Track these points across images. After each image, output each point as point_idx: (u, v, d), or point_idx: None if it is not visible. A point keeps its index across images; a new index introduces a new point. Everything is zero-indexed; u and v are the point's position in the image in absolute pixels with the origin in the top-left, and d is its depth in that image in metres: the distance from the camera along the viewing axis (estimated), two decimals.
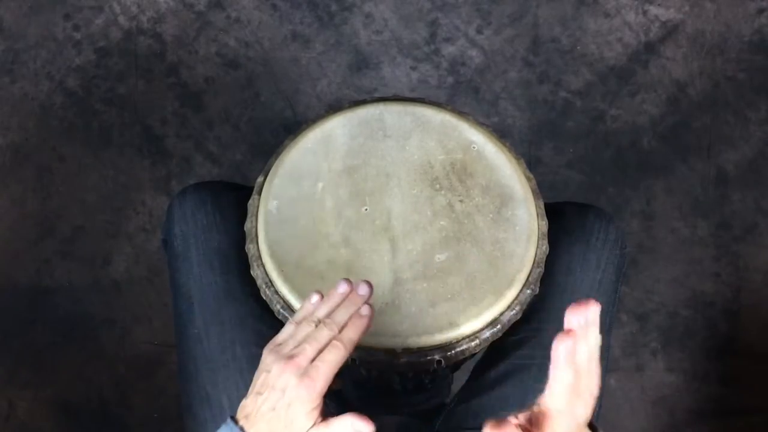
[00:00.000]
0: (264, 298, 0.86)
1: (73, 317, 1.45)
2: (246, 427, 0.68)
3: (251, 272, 0.87)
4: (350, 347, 0.71)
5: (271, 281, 0.85)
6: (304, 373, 0.68)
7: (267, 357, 0.71)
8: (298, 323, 0.73)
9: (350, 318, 0.72)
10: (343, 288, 0.74)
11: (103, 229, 1.50)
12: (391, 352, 0.81)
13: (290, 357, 0.69)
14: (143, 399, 1.41)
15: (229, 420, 0.69)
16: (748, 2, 1.64)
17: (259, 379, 0.70)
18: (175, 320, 0.93)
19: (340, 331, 0.71)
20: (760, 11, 1.64)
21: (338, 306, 0.73)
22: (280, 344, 0.71)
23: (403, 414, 0.96)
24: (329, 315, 0.72)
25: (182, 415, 0.90)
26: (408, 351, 0.81)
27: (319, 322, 0.72)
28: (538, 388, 0.87)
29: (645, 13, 1.64)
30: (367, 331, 0.73)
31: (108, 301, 1.46)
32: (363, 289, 0.74)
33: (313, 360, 0.69)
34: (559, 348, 0.59)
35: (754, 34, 1.63)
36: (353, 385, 0.95)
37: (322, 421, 0.69)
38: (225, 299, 0.90)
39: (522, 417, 0.62)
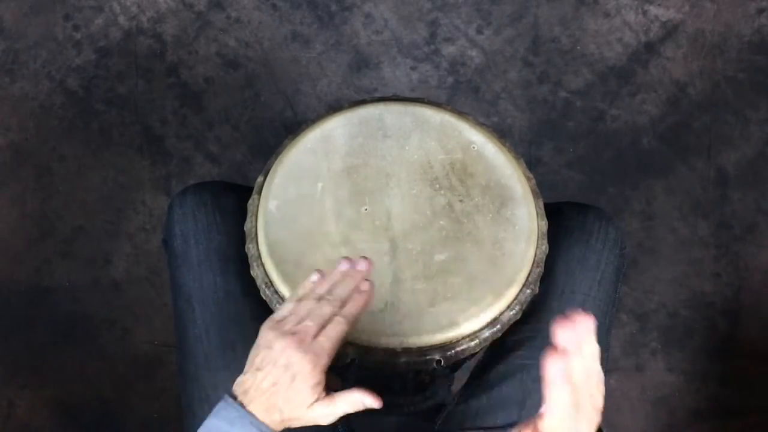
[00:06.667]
0: (264, 298, 0.86)
1: (73, 317, 1.45)
2: (245, 402, 0.68)
3: (251, 272, 0.87)
4: (352, 322, 0.72)
5: (270, 281, 0.85)
6: (308, 349, 0.68)
7: (267, 333, 0.71)
8: (299, 300, 0.73)
9: (350, 293, 0.73)
10: (343, 266, 0.75)
11: (103, 229, 1.50)
12: (391, 352, 0.81)
13: (293, 333, 0.69)
14: (143, 399, 1.41)
15: (226, 396, 0.69)
16: (748, 2, 1.64)
17: (259, 355, 0.70)
18: (175, 320, 0.93)
19: (341, 307, 0.72)
20: (760, 11, 1.64)
21: (338, 283, 0.74)
22: (280, 321, 0.71)
23: (403, 414, 0.96)
24: (330, 291, 0.73)
25: (182, 415, 0.90)
26: (408, 351, 0.81)
27: (320, 299, 0.72)
28: (537, 388, 0.87)
29: (645, 13, 1.64)
30: (366, 307, 0.73)
31: (108, 301, 1.46)
32: (362, 265, 0.75)
33: (315, 336, 0.70)
34: (552, 368, 0.57)
35: (754, 34, 1.63)
36: (353, 385, 0.95)
37: (326, 396, 0.69)
38: (225, 299, 0.90)
39: None
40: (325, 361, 0.69)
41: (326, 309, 0.71)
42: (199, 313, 0.89)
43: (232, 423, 0.68)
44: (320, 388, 0.69)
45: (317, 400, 0.69)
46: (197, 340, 0.89)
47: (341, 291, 0.73)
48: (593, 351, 0.59)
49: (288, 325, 0.70)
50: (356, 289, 0.74)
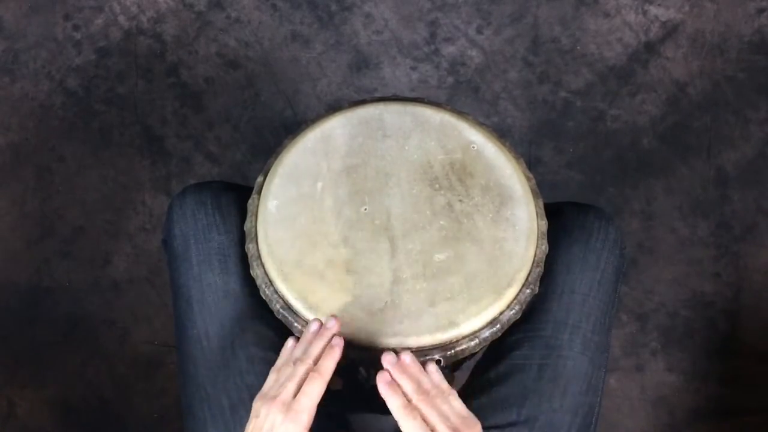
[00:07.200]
0: (263, 297, 0.86)
1: (73, 317, 1.45)
2: None
3: (251, 272, 0.87)
4: (328, 376, 0.75)
5: (270, 281, 0.85)
6: (288, 408, 0.72)
7: (255, 404, 0.74)
8: (279, 369, 0.76)
9: (323, 350, 0.77)
10: (314, 326, 0.79)
11: (103, 229, 1.50)
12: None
13: (274, 398, 0.73)
14: (143, 399, 1.41)
15: None
16: (748, 2, 1.64)
17: (249, 425, 0.73)
18: (175, 320, 0.93)
19: (315, 364, 0.75)
20: (760, 11, 1.64)
21: (312, 343, 0.77)
22: (266, 391, 0.75)
23: None
24: (305, 352, 0.77)
25: (182, 415, 0.90)
26: (408, 351, 0.81)
27: (296, 362, 0.76)
28: (537, 388, 0.87)
29: (645, 13, 1.64)
30: (339, 359, 0.77)
31: (108, 301, 1.46)
32: (331, 323, 0.79)
33: (295, 395, 0.73)
34: (378, 379, 0.74)
35: (754, 34, 1.63)
36: (353, 385, 0.95)
37: None
38: (225, 299, 0.90)
39: None
40: (305, 417, 0.72)
41: (301, 369, 0.75)
42: (198, 314, 0.89)
43: None
44: None
45: None
46: (197, 340, 0.89)
47: (314, 350, 0.76)
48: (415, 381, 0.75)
49: (271, 392, 0.74)
50: (329, 345, 0.77)
